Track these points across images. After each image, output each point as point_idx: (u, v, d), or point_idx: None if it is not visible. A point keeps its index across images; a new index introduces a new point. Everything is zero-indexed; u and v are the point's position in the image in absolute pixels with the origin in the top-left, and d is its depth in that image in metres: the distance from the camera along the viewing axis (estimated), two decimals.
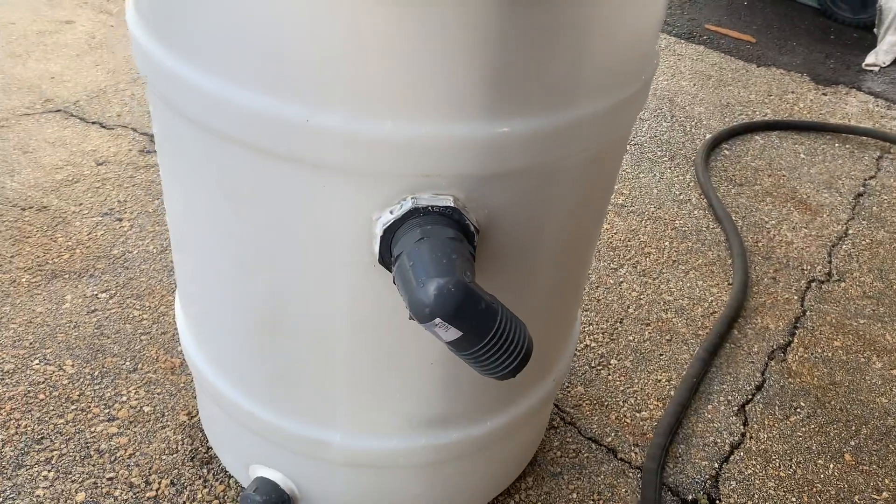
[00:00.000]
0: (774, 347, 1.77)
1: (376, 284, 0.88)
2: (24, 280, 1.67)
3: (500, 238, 0.87)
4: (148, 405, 1.43)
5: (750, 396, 1.63)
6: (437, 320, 0.74)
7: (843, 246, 2.16)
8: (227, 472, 1.34)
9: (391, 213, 0.80)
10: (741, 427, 1.56)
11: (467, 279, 0.75)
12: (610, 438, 1.50)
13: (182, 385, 1.48)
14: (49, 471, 1.30)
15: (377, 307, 0.91)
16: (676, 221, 2.18)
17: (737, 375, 1.68)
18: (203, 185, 0.89)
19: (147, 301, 1.66)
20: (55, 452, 1.33)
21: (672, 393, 1.61)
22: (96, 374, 1.48)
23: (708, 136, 2.61)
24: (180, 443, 1.38)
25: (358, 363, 0.97)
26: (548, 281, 1.00)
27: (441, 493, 1.21)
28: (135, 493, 1.28)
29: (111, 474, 1.31)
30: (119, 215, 1.90)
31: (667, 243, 2.08)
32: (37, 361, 1.49)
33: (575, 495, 1.38)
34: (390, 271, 0.83)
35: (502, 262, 0.90)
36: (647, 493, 1.36)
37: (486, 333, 0.76)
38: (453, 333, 0.75)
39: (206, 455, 1.36)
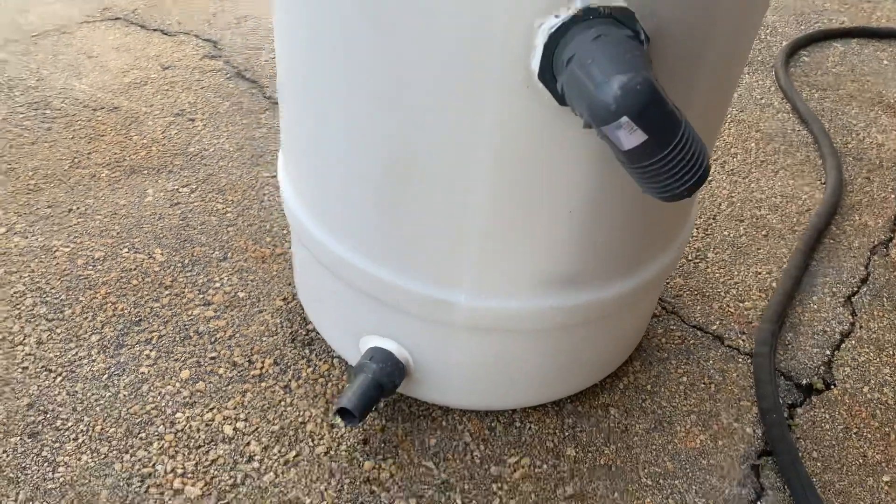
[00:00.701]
0: (876, 243, 1.70)
1: (527, 109, 0.81)
2: (103, 175, 1.64)
3: (665, 52, 0.80)
4: (242, 291, 1.40)
5: (855, 289, 1.57)
6: (623, 119, 0.68)
7: None
8: (329, 352, 1.31)
9: (557, 17, 0.74)
10: (849, 317, 1.50)
11: (653, 77, 0.69)
12: (715, 326, 1.44)
13: (274, 273, 1.45)
14: (151, 350, 1.28)
15: (524, 138, 0.85)
16: (760, 124, 2.09)
17: (839, 269, 1.61)
18: (338, 9, 0.83)
19: (230, 195, 1.62)
20: (154, 334, 1.31)
21: (774, 285, 1.54)
22: (186, 262, 1.45)
23: (784, 43, 2.49)
24: (279, 326, 1.35)
25: (494, 210, 0.92)
26: (699, 111, 0.93)
27: (558, 365, 1.16)
28: (239, 372, 1.26)
29: (213, 354, 1.28)
30: (191, 116, 1.85)
31: (752, 145, 2.00)
32: (126, 250, 1.46)
33: (685, 379, 1.34)
34: (550, 87, 0.77)
35: (663, 80, 0.83)
36: (762, 375, 1.31)
37: (671, 139, 0.70)
38: (637, 137, 0.69)
39: (306, 337, 1.33)
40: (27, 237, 1.46)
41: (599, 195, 0.92)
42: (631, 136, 0.69)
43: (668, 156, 0.70)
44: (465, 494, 1.12)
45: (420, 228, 0.97)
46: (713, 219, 1.72)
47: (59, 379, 1.21)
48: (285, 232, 1.54)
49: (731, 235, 1.68)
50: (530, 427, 1.22)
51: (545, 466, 1.17)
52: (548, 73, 0.76)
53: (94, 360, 1.25)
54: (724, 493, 1.16)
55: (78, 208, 1.54)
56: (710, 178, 1.84)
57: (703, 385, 1.33)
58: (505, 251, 0.97)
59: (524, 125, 0.83)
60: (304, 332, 1.34)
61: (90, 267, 1.41)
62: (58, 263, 1.41)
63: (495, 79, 0.80)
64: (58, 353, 1.25)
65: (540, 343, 1.11)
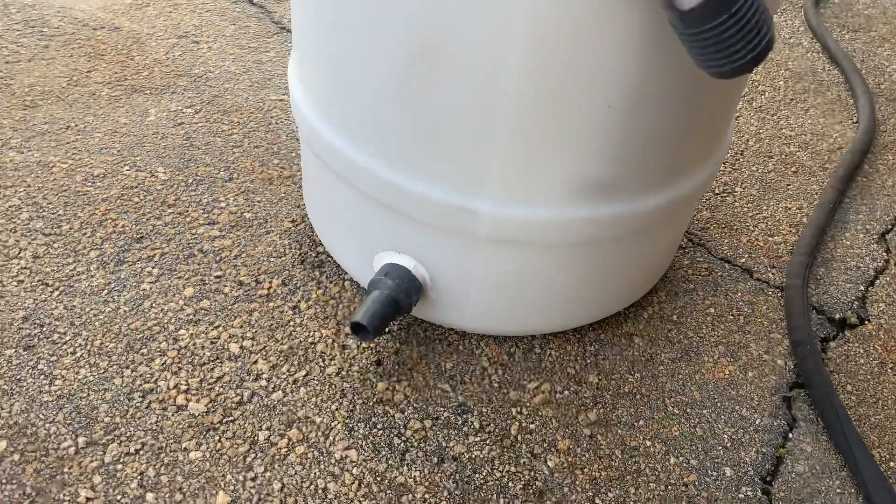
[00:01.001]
0: None
1: None
2: (103, 93, 1.56)
3: None
4: (248, 212, 1.34)
5: (889, 226, 1.50)
6: None
7: None
8: (340, 275, 1.24)
9: None
10: (884, 254, 1.43)
11: None
12: (743, 259, 1.38)
13: (282, 195, 1.38)
14: (153, 267, 1.21)
15: (563, 16, 0.77)
16: (789, 63, 2.00)
17: (873, 206, 1.54)
18: None
19: (235, 117, 1.55)
20: (157, 251, 1.24)
21: (804, 221, 1.48)
22: (190, 181, 1.38)
23: None
24: (287, 247, 1.28)
25: (524, 103, 0.85)
26: None
27: (582, 288, 1.10)
28: (245, 291, 1.20)
29: (218, 272, 1.22)
30: (195, 38, 1.77)
31: (781, 83, 1.91)
32: (126, 167, 1.39)
33: (712, 310, 1.28)
34: None
35: None
36: (794, 307, 1.24)
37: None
38: None
39: (316, 259, 1.27)
40: (23, 152, 1.39)
41: (643, 88, 0.85)
42: None
43: (733, 18, 0.63)
44: (482, 417, 1.06)
45: (443, 124, 0.90)
46: (741, 154, 1.65)
47: (56, 293, 1.15)
48: (294, 155, 1.47)
49: (760, 171, 1.60)
50: (550, 353, 1.17)
51: (566, 392, 1.11)
52: None
53: (92, 276, 1.18)
54: (754, 424, 1.10)
55: (76, 125, 1.47)
56: (766, 57, 1.76)
57: (731, 317, 1.27)
58: (535, 152, 0.90)
59: (564, 13, 0.76)
60: (314, 255, 1.28)
61: (89, 183, 1.35)
62: (55, 179, 1.34)
63: None
64: (55, 268, 1.19)
65: (566, 260, 1.04)
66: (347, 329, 1.15)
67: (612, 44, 0.80)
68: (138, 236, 1.26)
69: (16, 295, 1.14)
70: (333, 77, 0.97)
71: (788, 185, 1.57)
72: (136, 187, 1.35)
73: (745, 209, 1.50)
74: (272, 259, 1.26)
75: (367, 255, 1.13)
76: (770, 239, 1.43)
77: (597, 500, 0.99)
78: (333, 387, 1.08)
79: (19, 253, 1.20)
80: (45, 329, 1.10)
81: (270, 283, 1.22)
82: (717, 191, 1.53)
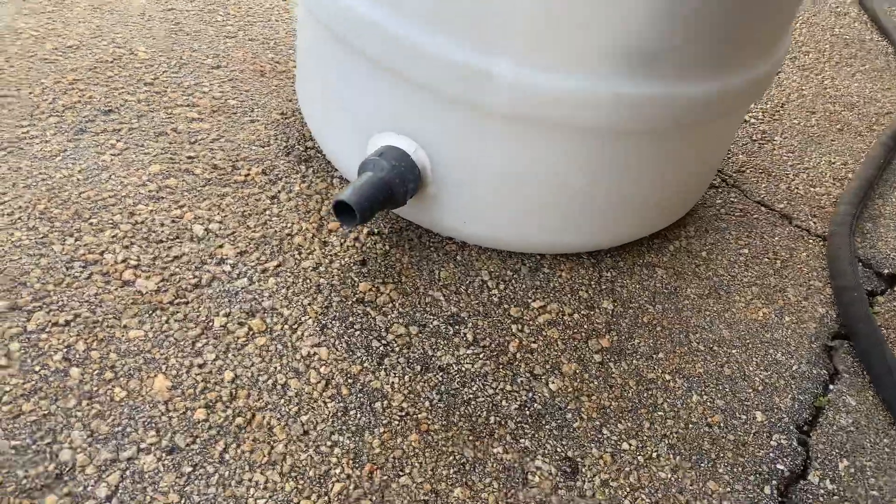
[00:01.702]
0: None
1: None
2: None
3: None
4: (234, 99, 1.19)
5: None
6: None
7: None
8: (329, 172, 1.09)
9: None
10: None
11: None
12: (782, 206, 1.23)
13: (273, 87, 1.23)
14: (117, 141, 1.07)
15: None
16: (836, 29, 1.86)
17: None
18: None
19: (233, 10, 1.40)
20: (125, 125, 1.09)
21: (849, 176, 1.33)
22: (173, 63, 1.23)
23: None
24: (273, 138, 1.13)
25: None
26: None
27: (601, 198, 0.95)
28: (219, 175, 1.05)
29: (191, 153, 1.07)
30: None
31: (827, 46, 1.77)
32: (104, 42, 1.24)
33: (746, 251, 1.13)
34: None
35: None
36: (840, 253, 1.09)
37: None
38: None
39: (304, 153, 1.12)
40: None
41: None
42: None
43: None
44: (477, 330, 0.91)
45: None
46: (781, 106, 1.50)
47: (3, 154, 1.00)
48: (291, 51, 1.33)
49: (802, 124, 1.46)
50: (561, 275, 1.02)
51: (576, 315, 0.96)
52: None
53: (47, 141, 1.04)
54: (790, 369, 0.95)
55: None
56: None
57: (767, 259, 1.12)
58: (566, 5, 0.75)
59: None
60: (301, 149, 1.13)
61: (59, 53, 1.20)
62: (22, 44, 1.20)
63: None
64: (4, 129, 1.04)
65: (590, 154, 0.89)
66: (330, 210, 1.00)
67: None
68: (106, 109, 1.12)
69: None
70: None
71: (833, 140, 1.42)
72: (112, 62, 1.21)
73: (786, 158, 1.35)
74: (254, 147, 1.11)
75: (361, 142, 0.98)
76: (812, 189, 1.28)
77: (604, 430, 0.83)
78: (308, 281, 0.93)
79: None
80: None
81: (249, 170, 1.07)
82: (754, 137, 1.39)
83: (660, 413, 0.87)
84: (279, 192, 1.04)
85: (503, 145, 0.89)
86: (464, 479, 0.76)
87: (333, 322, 0.88)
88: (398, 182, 0.90)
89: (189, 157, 1.06)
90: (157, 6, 1.36)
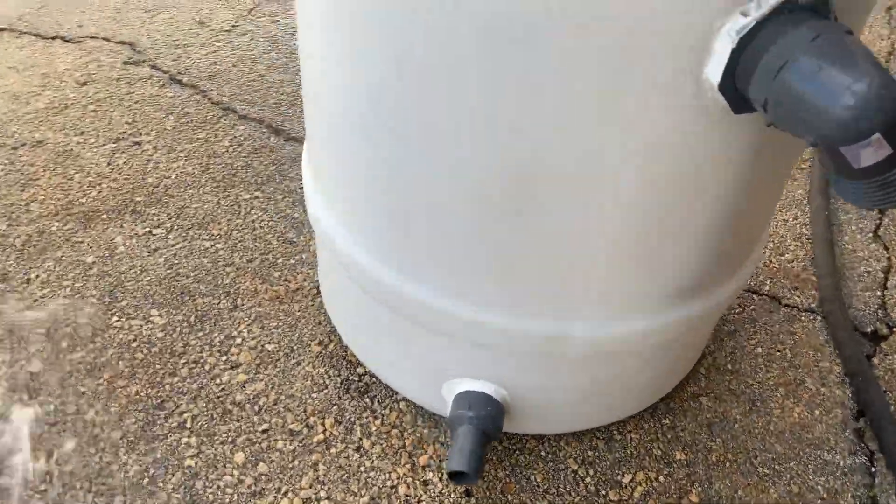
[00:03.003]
0: None
1: (687, 124, 0.69)
2: (54, 228, 1.37)
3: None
4: (269, 343, 1.22)
5: (878, 221, 1.56)
6: (874, 137, 0.57)
7: None
8: (392, 396, 1.16)
9: (745, 15, 0.61)
10: (884, 252, 1.49)
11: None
12: (766, 287, 1.40)
13: (298, 314, 1.26)
14: (189, 436, 1.09)
15: (677, 155, 0.72)
16: None
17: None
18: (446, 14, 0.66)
19: (213, 229, 1.40)
20: (186, 415, 1.11)
21: (805, 231, 1.51)
22: (192, 319, 1.24)
23: None
24: (326, 376, 1.18)
25: (628, 234, 0.80)
26: None
27: (665, 370, 1.08)
28: (301, 441, 1.09)
29: (263, 426, 1.11)
30: (135, 139, 1.59)
31: None
32: (116, 318, 1.23)
33: (759, 349, 1.29)
34: (733, 99, 0.64)
35: None
36: (840, 333, 1.27)
37: None
38: (882, 152, 0.58)
39: (360, 384, 1.18)
40: None
41: (743, 205, 0.82)
42: (876, 153, 0.58)
43: None
44: None
45: (535, 262, 0.83)
46: None
47: (92, 496, 1.01)
48: (294, 262, 1.35)
49: None
50: (631, 437, 1.14)
51: (661, 478, 1.09)
52: (730, 84, 0.64)
53: (126, 466, 1.04)
54: (840, 467, 1.13)
55: (37, 276, 1.28)
56: None
57: (778, 353, 1.28)
58: (634, 274, 0.85)
59: (680, 140, 0.71)
60: (356, 378, 1.18)
61: (79, 349, 1.18)
62: (38, 347, 1.17)
63: (653, 92, 0.66)
64: (81, 466, 1.04)
65: (655, 355, 1.01)
66: (441, 472, 1.07)
67: (725, 174, 0.76)
68: (158, 401, 1.12)
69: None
70: (393, 219, 0.87)
71: None
72: (136, 341, 1.20)
73: None
74: (314, 395, 1.15)
75: (430, 382, 1.05)
76: (782, 258, 1.46)
77: None
78: None
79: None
80: None
81: (323, 424, 1.12)
82: None
83: None
84: (360, 439, 1.10)
85: (579, 374, 0.99)
86: None
87: None
88: (491, 426, 0.99)
89: (263, 432, 1.10)
90: (141, 250, 1.35)
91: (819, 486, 1.10)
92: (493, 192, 0.76)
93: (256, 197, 1.47)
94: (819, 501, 1.08)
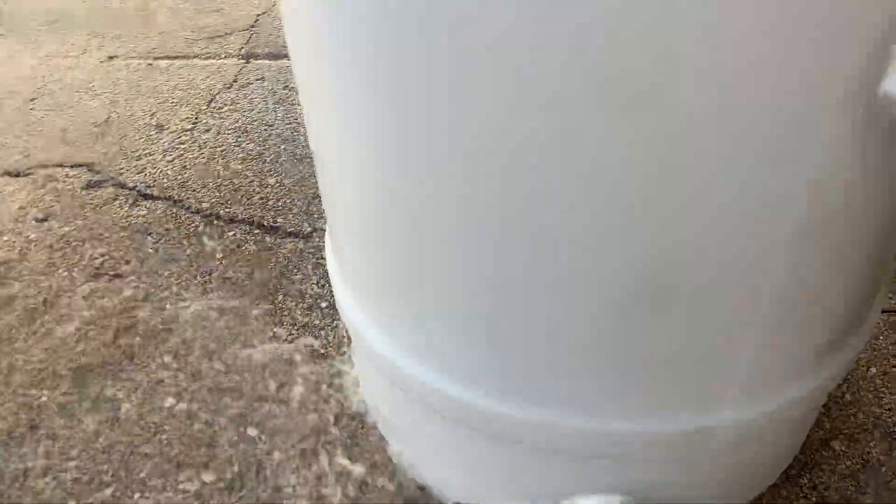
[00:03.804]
0: None
1: (857, 154, 0.54)
2: (44, 400, 1.17)
3: None
4: (326, 487, 1.03)
5: None
6: None
7: None
8: None
9: None
10: None
11: None
12: None
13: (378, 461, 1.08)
14: None
15: (843, 196, 0.57)
16: None
17: None
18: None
19: (228, 359, 1.22)
20: None
21: None
22: (229, 476, 1.05)
23: None
24: None
25: (783, 302, 0.64)
26: None
27: (800, 434, 0.92)
28: None
29: None
30: (114, 271, 1.40)
31: None
32: (138, 496, 1.03)
33: (873, 370, 1.13)
34: None
35: None
36: None
37: None
38: None
39: None
40: None
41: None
42: None
43: None
44: None
45: (670, 355, 0.67)
46: None
47: None
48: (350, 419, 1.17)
49: None
50: None
51: None
52: None
53: None
54: None
55: (33, 467, 1.08)
56: None
57: (894, 369, 1.13)
58: (788, 337, 0.69)
59: (847, 177, 0.56)
60: None
61: None
62: None
63: (823, 122, 0.51)
64: None
65: (801, 419, 0.85)
66: None
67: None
68: None
69: None
70: (493, 337, 0.70)
71: None
72: None
73: None
74: None
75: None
76: None
77: None
78: None
79: None
80: None
81: None
82: None
83: None
84: None
85: (721, 462, 0.82)
86: None
87: None
88: None
89: None
90: (155, 407, 1.15)
91: None
92: (625, 294, 0.60)
93: (292, 341, 1.27)
94: None
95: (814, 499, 0.98)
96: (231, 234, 1.45)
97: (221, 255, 1.41)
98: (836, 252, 0.62)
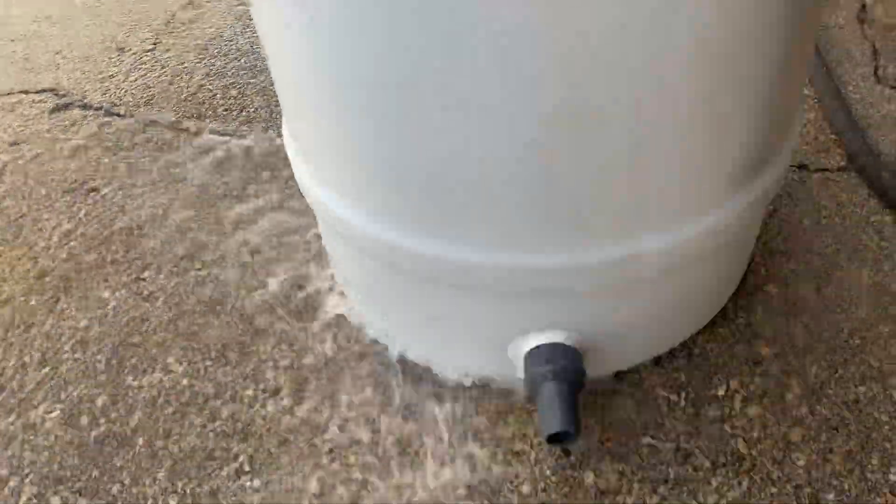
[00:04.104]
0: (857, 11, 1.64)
1: None
2: (33, 303, 1.24)
3: None
4: (305, 358, 1.11)
5: (874, 65, 1.50)
6: None
7: None
8: (439, 384, 1.06)
9: None
10: (892, 91, 1.43)
11: None
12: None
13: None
14: (251, 479, 0.98)
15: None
16: None
17: (851, 53, 1.54)
18: None
19: (205, 256, 1.28)
20: (242, 458, 1.01)
21: (806, 92, 1.44)
22: (213, 355, 1.13)
23: None
24: (375, 378, 1.08)
25: (690, 124, 0.71)
26: None
27: (737, 265, 1.00)
28: (373, 453, 1.00)
29: (328, 447, 1.01)
30: (89, 185, 1.45)
31: None
32: (131, 378, 1.11)
33: (806, 222, 1.22)
34: None
35: None
36: (881, 182, 1.21)
37: None
38: None
39: (414, 373, 1.08)
40: None
41: (791, 61, 0.74)
42: None
43: None
44: (705, 453, 0.95)
45: (593, 182, 0.74)
46: None
47: None
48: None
49: None
50: (710, 348, 1.06)
51: (756, 380, 1.02)
52: None
53: None
54: None
55: (31, 359, 1.15)
56: None
57: (825, 220, 1.22)
58: (701, 160, 0.77)
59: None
60: (405, 366, 1.08)
61: (101, 424, 1.06)
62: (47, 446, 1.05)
63: None
64: None
65: (724, 252, 0.93)
66: (528, 440, 0.99)
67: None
68: (206, 452, 1.02)
69: None
70: (431, 181, 0.77)
71: None
72: (160, 396, 1.09)
73: None
74: (370, 402, 1.06)
75: (490, 349, 0.96)
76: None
77: (867, 474, 0.92)
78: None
79: None
80: None
81: (390, 427, 1.02)
82: None
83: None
84: (436, 427, 1.01)
85: (653, 293, 0.91)
86: None
87: None
88: (575, 375, 0.90)
89: (329, 452, 1.00)
90: (140, 301, 1.22)
91: None
92: (539, 122, 0.66)
93: (242, 212, 1.35)
94: None
95: (748, 335, 1.07)
96: (199, 139, 1.50)
97: (192, 165, 1.46)
98: (738, 73, 0.69)
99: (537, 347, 0.92)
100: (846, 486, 0.91)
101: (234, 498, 0.96)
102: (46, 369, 1.14)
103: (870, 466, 0.92)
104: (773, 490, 0.91)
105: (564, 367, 0.90)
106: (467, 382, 1.05)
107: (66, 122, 1.60)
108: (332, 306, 1.16)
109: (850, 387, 1.00)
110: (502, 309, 0.90)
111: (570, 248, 0.80)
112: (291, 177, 1.03)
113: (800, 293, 1.12)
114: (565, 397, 0.88)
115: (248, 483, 0.98)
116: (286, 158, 1.00)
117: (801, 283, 1.13)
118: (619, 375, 1.04)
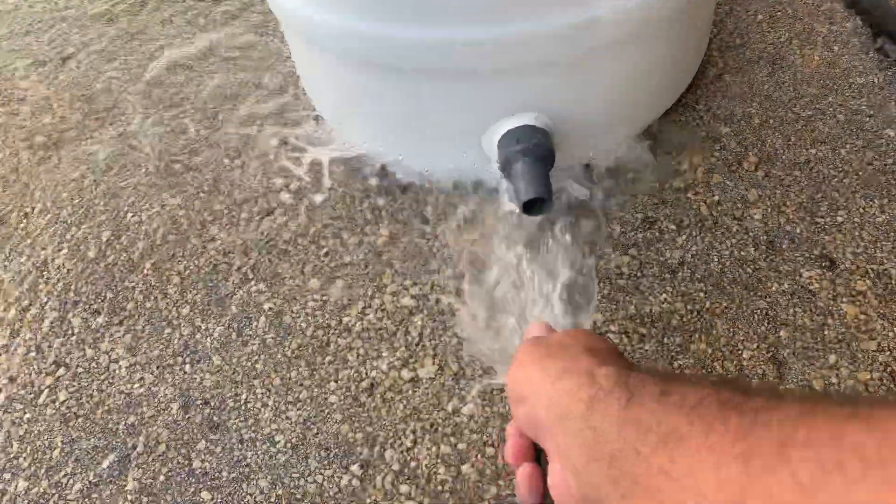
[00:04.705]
0: None
1: None
2: (25, 160, 1.28)
3: None
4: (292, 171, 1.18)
5: None
6: None
7: None
8: (420, 183, 1.13)
9: None
10: None
11: None
12: None
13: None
14: (256, 284, 1.06)
15: None
16: None
17: None
18: None
19: (188, 106, 1.32)
20: (245, 268, 1.08)
21: None
22: (206, 187, 1.19)
23: None
24: (341, 198, 1.15)
25: None
26: None
27: (684, 55, 1.06)
28: (366, 250, 1.07)
29: (324, 250, 1.08)
30: (61, 56, 1.46)
31: None
32: (130, 215, 1.17)
33: (760, 17, 1.27)
34: None
35: None
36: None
37: None
38: None
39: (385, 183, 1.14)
40: None
41: None
42: None
43: None
44: (670, 219, 1.03)
45: None
46: None
47: (188, 366, 0.99)
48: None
49: None
50: (672, 130, 1.13)
51: (716, 153, 1.09)
52: None
53: (209, 331, 1.02)
54: (875, 84, 1.14)
55: (33, 209, 1.21)
56: None
57: (779, 13, 1.27)
58: None
59: None
60: (385, 176, 1.15)
61: (109, 254, 1.13)
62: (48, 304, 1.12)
63: None
64: (165, 347, 1.01)
65: (677, 32, 0.98)
66: (508, 217, 1.06)
67: None
68: (211, 265, 1.09)
69: None
70: None
71: None
72: (160, 228, 1.15)
73: None
74: (357, 206, 1.12)
75: (465, 143, 1.02)
76: None
77: (817, 219, 1.00)
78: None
79: None
80: None
81: (377, 228, 1.09)
82: None
83: (837, 173, 1.04)
84: (421, 226, 1.08)
85: (610, 67, 0.96)
86: None
87: None
88: (545, 152, 0.97)
89: (326, 254, 1.08)
90: (128, 148, 1.27)
91: (863, 107, 1.11)
92: None
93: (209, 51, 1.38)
94: (869, 117, 1.10)
95: (707, 118, 1.14)
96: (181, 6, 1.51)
97: (170, 25, 1.48)
98: None
99: (508, 132, 0.98)
100: (798, 230, 0.99)
101: (241, 301, 1.04)
102: (48, 217, 1.19)
103: (819, 213, 1.01)
104: (733, 241, 1.00)
105: (536, 143, 0.96)
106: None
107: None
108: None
109: (802, 151, 1.08)
110: (471, 96, 0.96)
111: (529, 16, 0.85)
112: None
113: (756, 78, 1.18)
114: (539, 170, 0.95)
115: (254, 287, 1.06)
116: None
117: (757, 70, 1.19)
118: (587, 167, 1.11)
